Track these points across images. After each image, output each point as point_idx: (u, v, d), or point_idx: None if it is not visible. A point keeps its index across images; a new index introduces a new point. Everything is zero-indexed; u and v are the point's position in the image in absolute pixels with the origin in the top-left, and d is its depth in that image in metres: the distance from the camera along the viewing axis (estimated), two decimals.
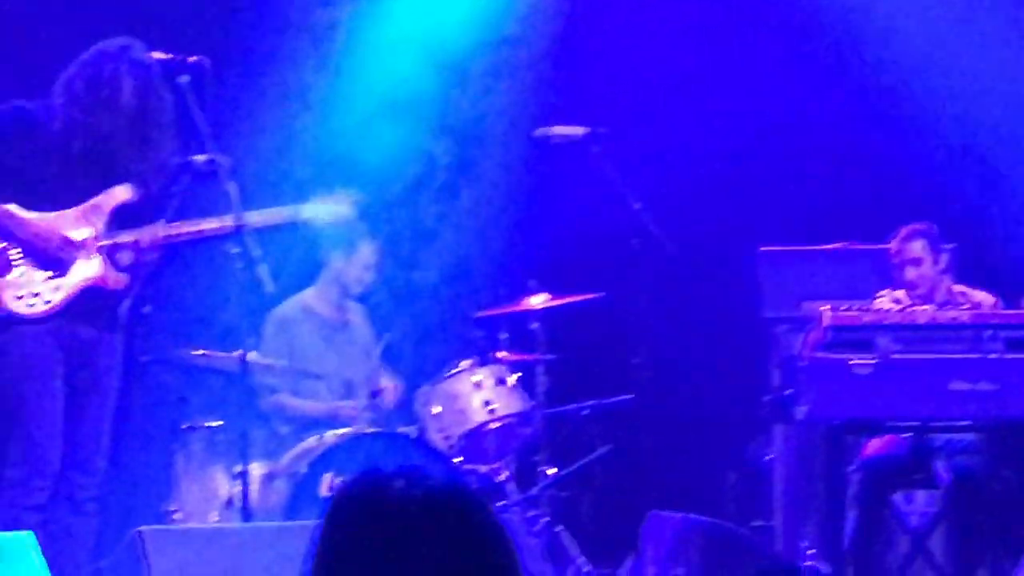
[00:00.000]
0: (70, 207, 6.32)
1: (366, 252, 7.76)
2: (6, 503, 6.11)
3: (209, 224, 6.52)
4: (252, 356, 6.73)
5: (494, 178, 8.96)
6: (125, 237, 6.40)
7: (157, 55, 6.32)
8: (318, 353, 7.64)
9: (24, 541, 5.35)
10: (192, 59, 6.26)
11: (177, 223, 6.52)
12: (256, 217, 6.54)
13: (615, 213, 7.84)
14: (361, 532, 1.79)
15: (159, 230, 6.48)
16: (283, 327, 7.61)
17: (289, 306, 7.60)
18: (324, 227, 7.07)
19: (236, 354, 6.51)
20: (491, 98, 8.93)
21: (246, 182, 6.99)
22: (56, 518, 6.04)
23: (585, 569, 6.95)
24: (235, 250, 6.28)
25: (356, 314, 7.87)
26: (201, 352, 7.15)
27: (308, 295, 7.67)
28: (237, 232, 6.52)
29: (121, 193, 6.43)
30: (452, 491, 1.83)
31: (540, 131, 8.04)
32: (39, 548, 5.33)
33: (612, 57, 9.13)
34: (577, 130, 7.82)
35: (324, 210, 6.85)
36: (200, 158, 6.36)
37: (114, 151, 6.33)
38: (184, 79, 6.19)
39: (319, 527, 1.84)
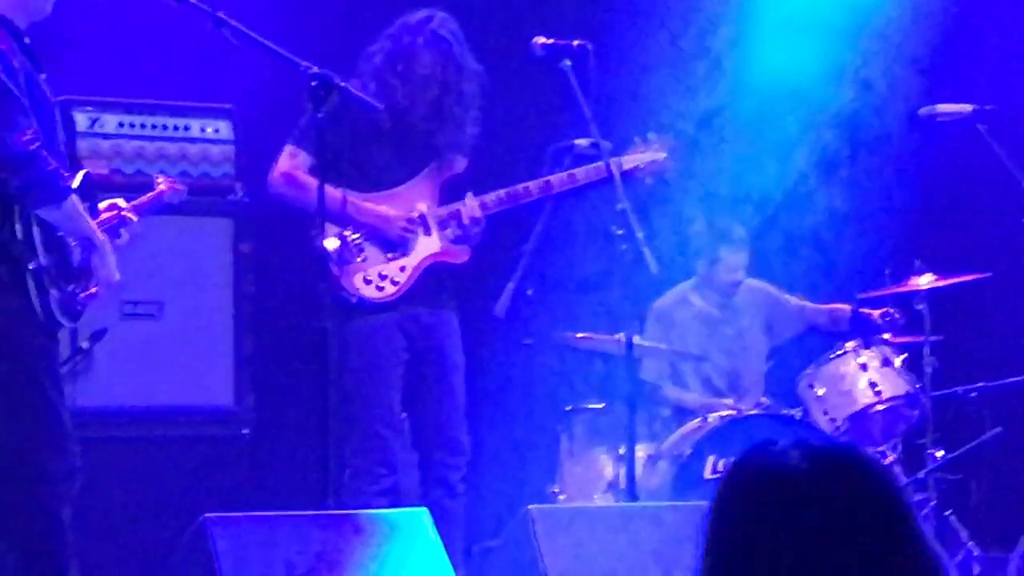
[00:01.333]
0: (390, 187, 6.39)
1: (732, 259, 7.77)
2: (355, 491, 6.24)
3: (553, 183, 6.55)
4: (637, 339, 6.62)
5: (879, 159, 8.80)
6: (471, 206, 6.47)
7: (540, 40, 6.22)
8: (698, 342, 7.67)
9: (419, 516, 5.43)
10: (575, 43, 6.17)
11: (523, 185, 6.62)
12: (580, 173, 6.53)
13: (1003, 191, 7.48)
14: (758, 503, 1.78)
15: (504, 195, 6.53)
16: (662, 318, 7.64)
17: (668, 298, 7.66)
18: (644, 176, 6.83)
19: (619, 337, 6.40)
20: (873, 79, 8.78)
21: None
22: (431, 502, 6.10)
23: (975, 553, 6.71)
24: (619, 231, 6.12)
25: (749, 309, 7.92)
26: (584, 335, 7.10)
27: (686, 287, 7.72)
28: (601, 185, 6.51)
29: (447, 167, 6.48)
30: (850, 458, 1.79)
31: (925, 110, 7.67)
32: (433, 524, 5.38)
33: (1000, 32, 8.87)
34: (964, 108, 7.43)
35: (644, 158, 6.70)
36: (583, 142, 6.30)
37: (415, 125, 6.38)
38: (566, 63, 6.11)
39: (712, 503, 1.82)
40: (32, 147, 4.98)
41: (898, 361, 7.29)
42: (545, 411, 7.67)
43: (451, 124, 6.31)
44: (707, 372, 7.68)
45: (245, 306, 6.88)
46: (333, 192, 6.10)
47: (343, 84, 5.75)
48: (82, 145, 6.60)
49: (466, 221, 6.23)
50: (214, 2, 5.67)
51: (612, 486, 6.92)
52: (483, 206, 6.29)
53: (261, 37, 5.73)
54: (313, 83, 5.55)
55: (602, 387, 7.46)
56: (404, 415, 6.27)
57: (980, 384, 7.34)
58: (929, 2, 8.81)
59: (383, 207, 6.22)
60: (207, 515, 5.22)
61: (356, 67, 6.28)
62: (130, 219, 5.49)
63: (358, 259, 6.15)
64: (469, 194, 6.31)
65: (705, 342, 7.63)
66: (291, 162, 6.12)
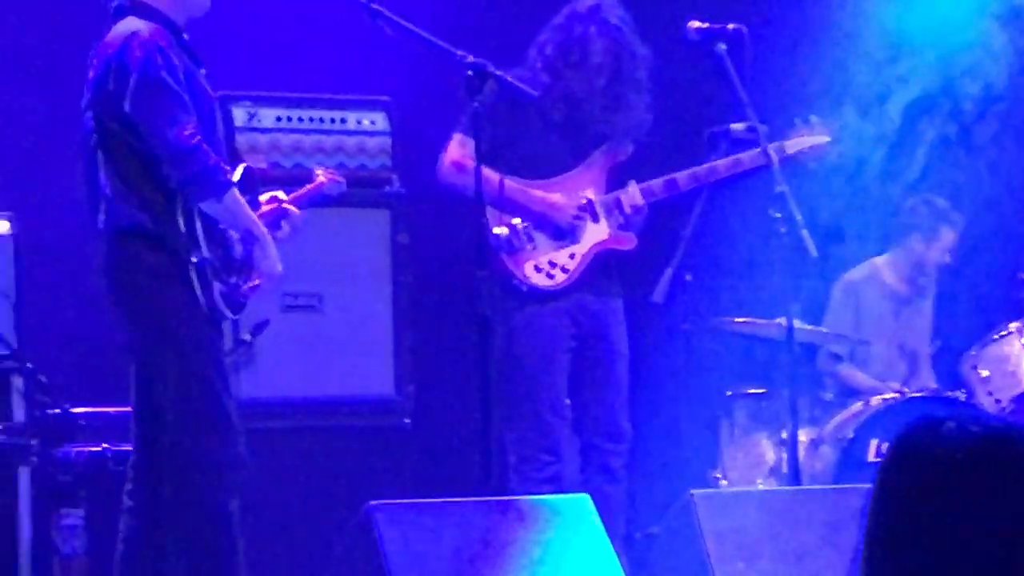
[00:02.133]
0: (557, 174, 6.38)
1: (948, 238, 7.65)
2: (521, 478, 6.27)
3: (719, 167, 6.47)
4: (798, 324, 6.57)
5: None
6: (632, 193, 6.43)
7: (695, 24, 6.13)
8: (882, 320, 7.64)
9: (582, 502, 5.41)
10: (731, 27, 6.10)
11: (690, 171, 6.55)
12: (746, 158, 6.42)
13: None
14: (921, 483, 1.69)
15: (667, 181, 6.44)
16: (850, 292, 7.62)
17: (859, 271, 7.62)
18: (808, 160, 6.79)
19: (780, 321, 6.39)
20: None
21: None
22: (593, 488, 6.01)
23: None
24: (777, 214, 6.12)
25: (930, 290, 7.78)
26: (744, 320, 7.14)
27: (880, 262, 7.64)
28: (761, 172, 6.42)
29: (616, 153, 6.43)
30: (1019, 437, 1.69)
31: None
32: (595, 510, 5.35)
33: None
34: None
35: (807, 142, 6.66)
36: (739, 126, 6.24)
37: (588, 112, 6.33)
38: (721, 47, 6.04)
39: (874, 483, 1.75)
40: (193, 141, 5.05)
41: None
42: (705, 397, 7.59)
43: (625, 111, 6.29)
44: (885, 353, 7.66)
45: (403, 296, 6.88)
46: (504, 180, 6.14)
47: (498, 73, 5.70)
48: (241, 140, 6.64)
49: (627, 210, 6.21)
50: None
51: (774, 471, 7.04)
52: (646, 192, 6.28)
53: (415, 27, 5.76)
54: (469, 72, 5.55)
55: (763, 372, 7.41)
56: (568, 402, 6.26)
57: None
58: None
59: (554, 195, 6.26)
60: (372, 503, 5.20)
61: (525, 58, 6.30)
62: (290, 211, 5.52)
63: (528, 247, 6.19)
64: (632, 182, 6.27)
65: (890, 320, 7.60)
66: (461, 151, 6.13)
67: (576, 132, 6.26)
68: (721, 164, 6.25)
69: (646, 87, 6.30)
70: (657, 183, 6.25)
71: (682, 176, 6.24)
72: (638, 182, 6.28)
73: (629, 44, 6.24)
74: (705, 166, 6.27)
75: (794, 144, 6.40)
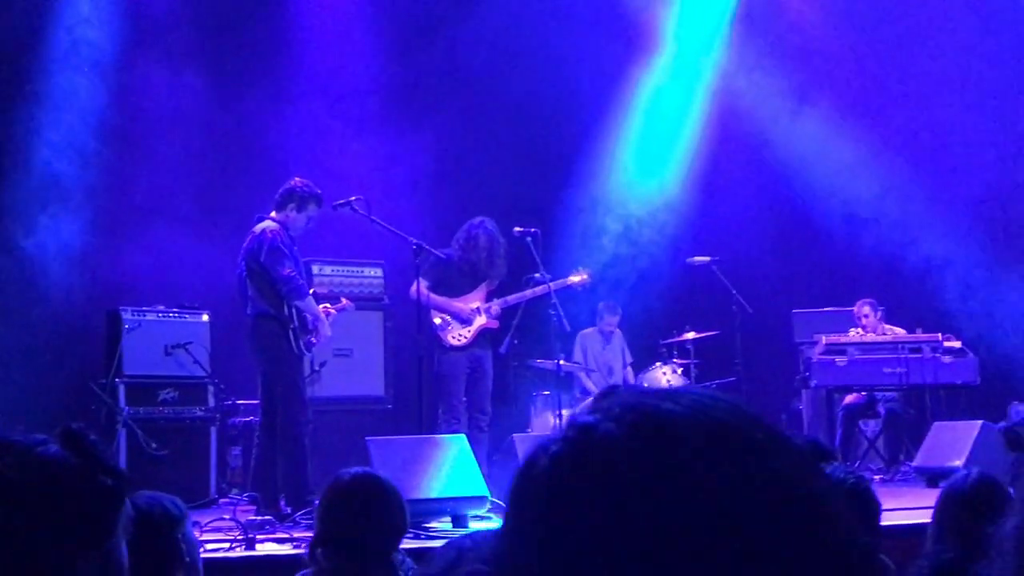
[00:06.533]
0: (463, 295, 7.08)
1: (613, 319, 8.75)
2: (445, 429, 6.65)
3: (529, 293, 7.31)
4: (564, 363, 7.93)
5: None
6: (496, 304, 7.15)
7: (517, 228, 7.14)
8: (597, 354, 8.89)
9: (463, 440, 6.14)
10: (532, 230, 7.13)
11: (515, 295, 7.25)
12: (553, 285, 7.18)
13: None
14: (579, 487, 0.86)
15: (507, 300, 7.20)
16: (581, 342, 8.91)
17: (586, 332, 8.88)
18: (576, 287, 7.66)
19: (554, 361, 7.65)
20: None
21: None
22: (471, 436, 6.45)
23: None
24: (552, 312, 7.34)
25: (616, 335, 8.90)
26: (541, 360, 8.22)
27: (590, 329, 8.96)
28: (547, 295, 7.18)
29: (487, 285, 7.18)
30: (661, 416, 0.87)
31: None
32: (470, 446, 6.06)
33: None
34: None
35: (576, 279, 7.65)
36: (537, 275, 7.37)
37: (477, 268, 7.06)
38: (528, 239, 7.16)
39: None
40: (292, 274, 6.16)
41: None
42: (525, 395, 8.47)
43: (494, 268, 7.17)
44: (600, 371, 8.79)
45: (388, 349, 8.15)
46: (439, 298, 7.05)
47: (427, 247, 6.81)
48: (315, 280, 7.85)
49: (494, 312, 7.25)
50: (368, 202, 6.56)
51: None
52: (502, 303, 7.24)
53: (385, 223, 6.68)
54: (413, 247, 6.85)
55: (549, 385, 8.23)
56: (464, 398, 7.10)
57: None
58: None
59: (461, 305, 7.15)
60: (368, 438, 6.00)
61: (452, 244, 7.23)
62: (332, 313, 6.63)
63: (449, 327, 7.14)
64: (495, 299, 7.27)
65: (600, 354, 8.86)
66: (422, 285, 6.96)
67: (472, 276, 7.18)
68: (529, 291, 7.39)
69: (503, 256, 7.22)
70: (505, 299, 7.26)
71: (512, 297, 7.34)
72: (497, 298, 7.25)
73: (496, 238, 7.16)
74: (526, 291, 7.37)
75: (569, 280, 7.55)
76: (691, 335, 8.70)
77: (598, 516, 0.78)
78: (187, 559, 2.59)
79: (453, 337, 7.03)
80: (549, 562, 0.79)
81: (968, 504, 2.83)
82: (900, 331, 8.32)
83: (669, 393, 0.84)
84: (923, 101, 9.51)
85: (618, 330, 8.97)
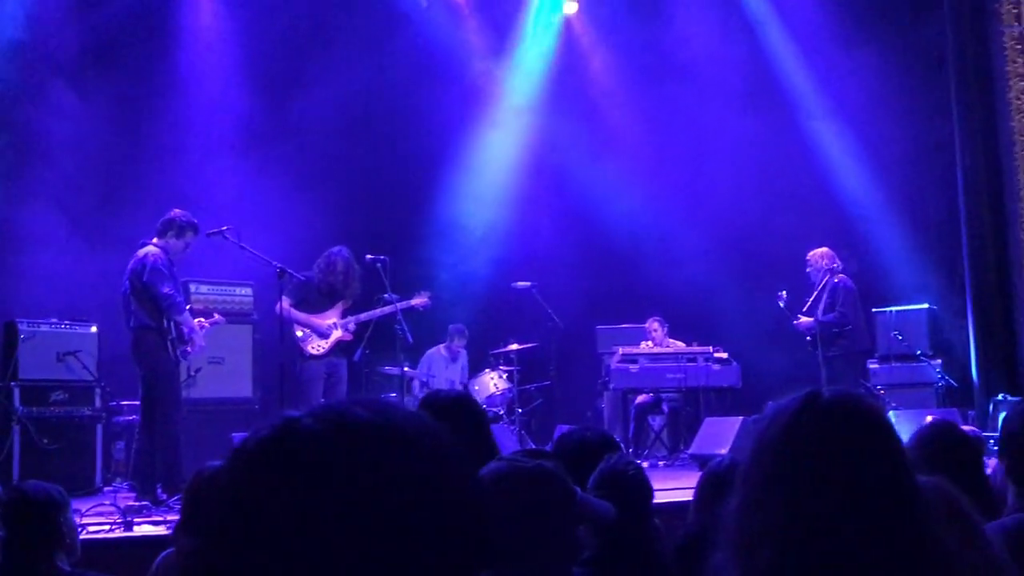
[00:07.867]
0: (322, 312, 7.31)
1: (462, 342, 9.23)
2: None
3: (379, 312, 7.45)
4: (407, 370, 8.38)
5: None
6: (350, 320, 7.41)
7: (369, 256, 7.42)
8: (439, 370, 9.29)
9: None
10: (382, 257, 7.49)
11: (367, 312, 7.50)
12: (399, 305, 7.47)
13: None
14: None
15: (360, 317, 7.44)
16: (426, 358, 9.31)
17: (431, 352, 9.30)
18: (418, 307, 7.87)
19: (399, 368, 7.94)
20: None
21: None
22: None
23: None
24: (397, 326, 7.56)
25: (462, 356, 9.37)
26: (388, 367, 8.53)
27: (439, 347, 9.33)
28: (394, 313, 7.48)
29: (343, 304, 7.40)
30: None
31: None
32: None
33: None
34: None
35: (418, 301, 7.86)
36: (386, 296, 7.59)
37: (335, 289, 7.30)
38: (378, 266, 7.51)
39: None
40: (171, 292, 6.25)
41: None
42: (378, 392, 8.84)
43: (349, 288, 7.43)
44: (440, 382, 9.19)
45: (256, 358, 8.34)
46: (301, 315, 7.34)
47: (290, 271, 6.89)
48: (192, 297, 8.01)
49: (350, 327, 7.51)
50: (238, 231, 6.66)
51: None
52: (356, 320, 7.48)
53: (253, 249, 6.74)
54: (278, 270, 6.88)
55: (395, 389, 8.34)
56: (322, 400, 6.77)
57: None
58: None
59: (320, 320, 7.41)
60: (234, 434, 6.66)
61: (313, 267, 7.48)
62: (206, 326, 6.78)
63: (310, 339, 7.42)
64: (351, 317, 7.52)
65: (444, 370, 9.27)
66: (285, 303, 7.04)
67: (330, 296, 7.41)
68: (379, 310, 7.57)
69: (358, 279, 7.48)
70: (358, 316, 7.49)
71: (364, 314, 7.55)
72: (352, 315, 7.51)
73: (352, 264, 7.47)
74: (376, 310, 7.54)
75: (413, 302, 7.73)
76: (514, 346, 9.14)
77: (291, 489, 0.88)
78: (67, 540, 2.88)
79: (313, 348, 7.31)
80: (248, 519, 0.89)
81: (721, 484, 2.93)
82: (680, 344, 9.09)
83: (366, 403, 0.97)
84: (694, 148, 10.37)
85: (464, 351, 9.55)
